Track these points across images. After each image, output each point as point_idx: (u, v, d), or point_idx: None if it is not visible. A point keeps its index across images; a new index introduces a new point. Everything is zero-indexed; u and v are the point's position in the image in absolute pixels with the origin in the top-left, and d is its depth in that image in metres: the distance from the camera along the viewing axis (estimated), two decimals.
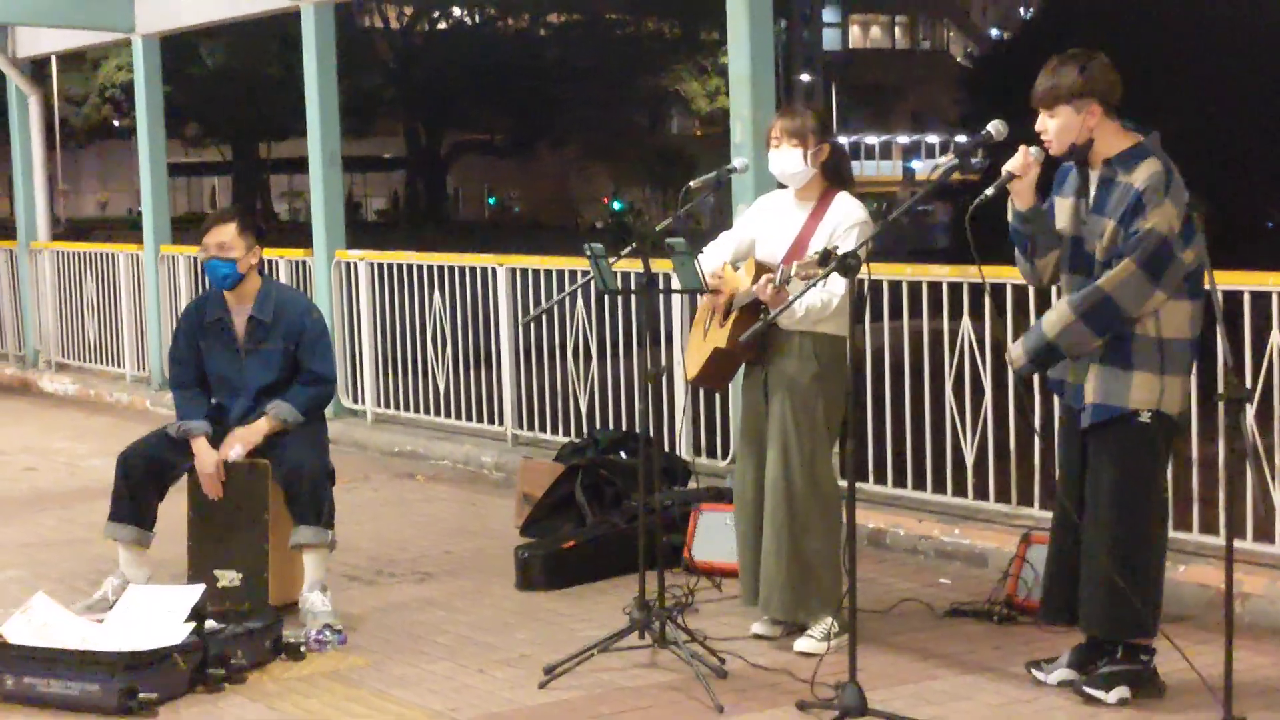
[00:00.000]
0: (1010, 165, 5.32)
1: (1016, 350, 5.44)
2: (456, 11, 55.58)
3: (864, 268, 5.18)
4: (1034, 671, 5.63)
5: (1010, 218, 5.44)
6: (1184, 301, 5.25)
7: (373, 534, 8.27)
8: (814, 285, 5.50)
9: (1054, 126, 5.31)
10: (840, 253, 5.20)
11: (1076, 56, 5.33)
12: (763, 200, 6.41)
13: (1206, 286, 5.11)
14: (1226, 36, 35.15)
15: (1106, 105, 5.30)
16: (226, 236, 6.72)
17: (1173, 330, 5.24)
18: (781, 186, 6.30)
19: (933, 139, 79.49)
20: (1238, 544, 5.31)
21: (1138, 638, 5.37)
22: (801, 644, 6.01)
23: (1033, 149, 5.33)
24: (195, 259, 12.29)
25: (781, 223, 6.17)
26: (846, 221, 6.02)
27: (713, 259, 6.22)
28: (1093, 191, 5.33)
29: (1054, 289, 5.73)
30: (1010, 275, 7.21)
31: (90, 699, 5.45)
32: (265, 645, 5.98)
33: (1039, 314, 5.51)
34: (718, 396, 8.60)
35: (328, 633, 6.23)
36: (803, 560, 6.01)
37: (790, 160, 6.07)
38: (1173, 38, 34.97)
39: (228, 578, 6.64)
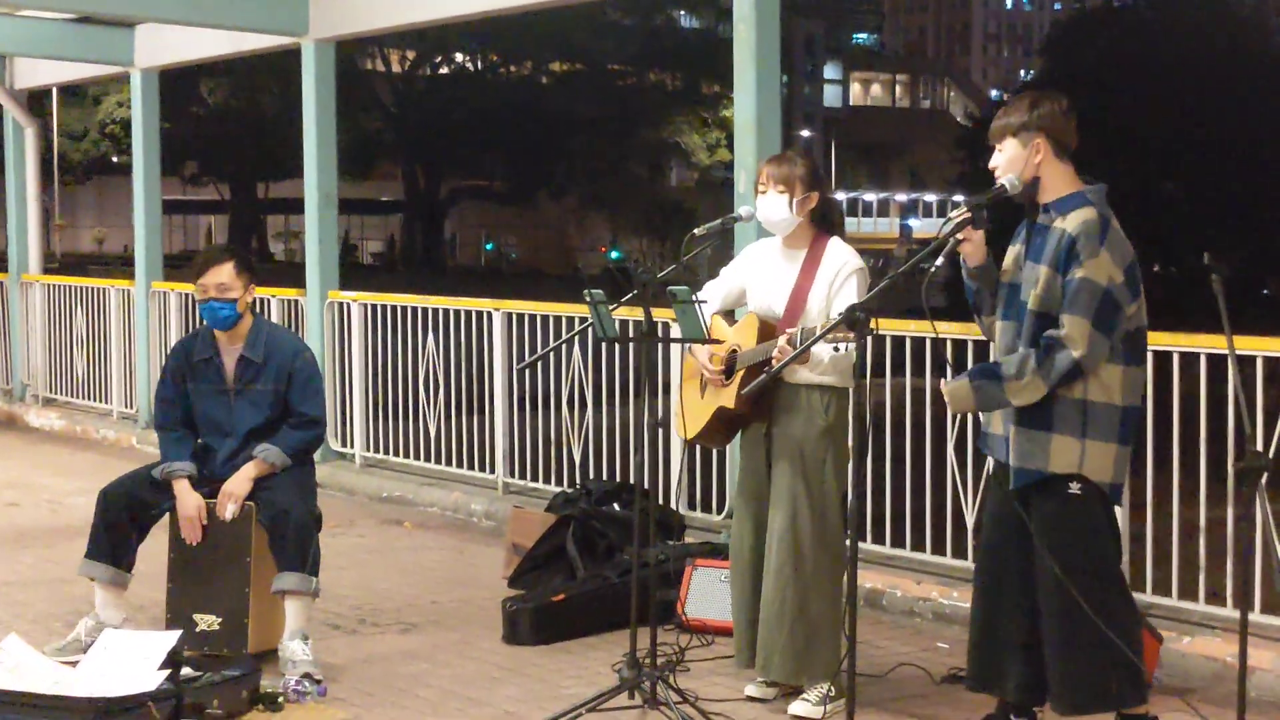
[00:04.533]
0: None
1: (965, 397, 5.12)
2: (459, 57, 55.71)
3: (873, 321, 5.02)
4: None
5: (963, 274, 5.30)
6: (1115, 366, 5.03)
7: (357, 581, 8.09)
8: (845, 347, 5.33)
9: (1002, 161, 5.19)
10: (847, 305, 5.04)
11: (1030, 93, 5.25)
12: (750, 249, 6.25)
13: (1212, 349, 4.95)
14: (1229, 101, 35.24)
15: (1057, 145, 5.14)
16: (225, 277, 6.56)
17: (1100, 394, 5.02)
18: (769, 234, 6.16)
19: (931, 197, 79.79)
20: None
21: (1117, 709, 5.18)
22: (796, 708, 5.83)
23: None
24: (188, 296, 12.15)
25: (773, 273, 6.01)
26: (845, 270, 5.87)
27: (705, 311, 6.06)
28: (1030, 237, 5.18)
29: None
30: None
31: None
32: (242, 694, 5.79)
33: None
34: (714, 449, 8.44)
35: (307, 683, 6.05)
36: (808, 622, 5.84)
37: (775, 206, 5.93)
38: (1174, 103, 35.06)
39: (207, 621, 6.47)
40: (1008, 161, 5.17)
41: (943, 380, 5.21)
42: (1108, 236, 5.00)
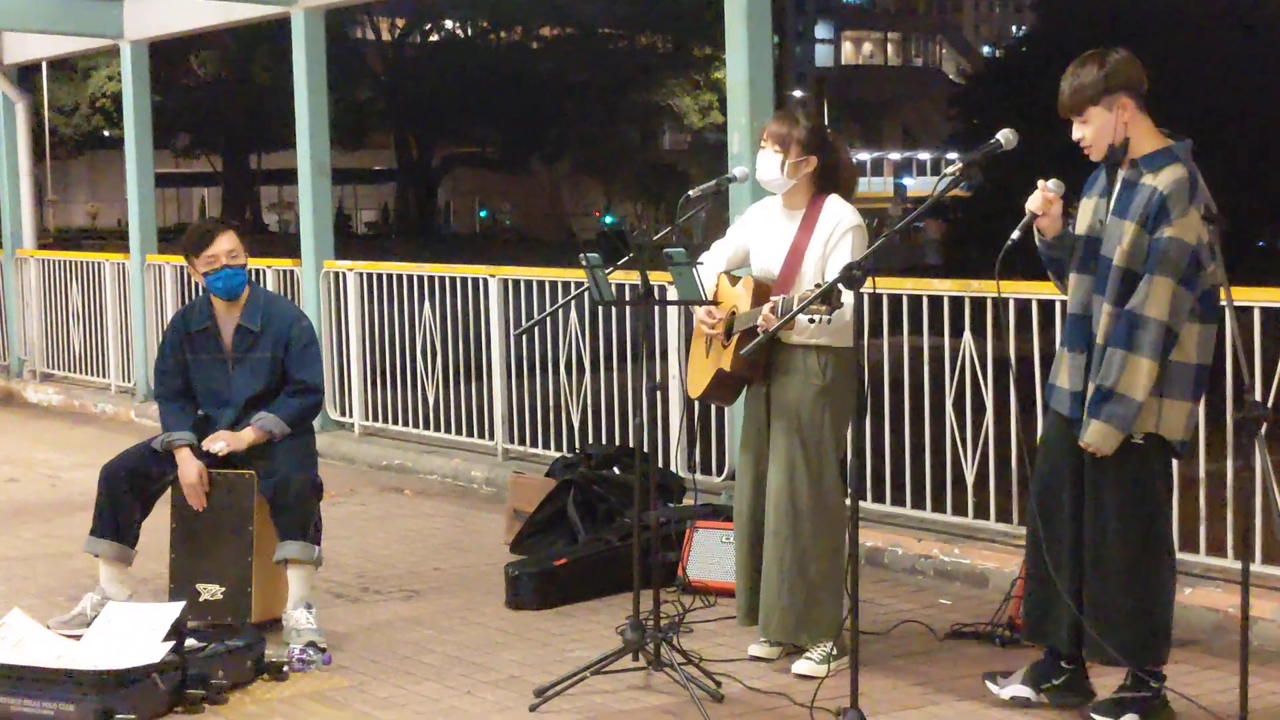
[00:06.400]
0: (1031, 205, 5.10)
1: (1112, 437, 4.99)
2: (449, 24, 55.50)
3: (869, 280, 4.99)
4: (989, 683, 5.51)
5: (1038, 244, 5.24)
6: (1192, 324, 5.01)
7: (359, 549, 8.10)
8: (821, 319, 5.31)
9: (1090, 132, 5.06)
10: (841, 264, 5.01)
11: (1094, 54, 5.10)
12: (754, 208, 6.22)
13: (1221, 303, 4.94)
14: (1223, 56, 35.17)
15: (1137, 97, 5.06)
16: (234, 244, 6.57)
17: (1177, 353, 5.00)
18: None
19: (924, 155, 79.62)
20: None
21: (1144, 665, 5.20)
22: (800, 667, 5.85)
23: (1050, 183, 5.09)
24: (183, 269, 12.13)
25: (772, 232, 5.98)
26: (840, 228, 5.82)
27: (707, 272, 6.04)
28: (1116, 192, 5.09)
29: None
30: (1029, 290, 7.09)
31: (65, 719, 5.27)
32: (247, 664, 5.80)
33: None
34: (713, 412, 8.45)
35: (311, 651, 6.06)
36: (806, 581, 5.84)
37: (768, 165, 5.89)
38: (1168, 56, 34.94)
39: (210, 591, 6.48)
40: (1097, 131, 5.06)
41: (1080, 440, 5.09)
42: (1196, 194, 4.96)
